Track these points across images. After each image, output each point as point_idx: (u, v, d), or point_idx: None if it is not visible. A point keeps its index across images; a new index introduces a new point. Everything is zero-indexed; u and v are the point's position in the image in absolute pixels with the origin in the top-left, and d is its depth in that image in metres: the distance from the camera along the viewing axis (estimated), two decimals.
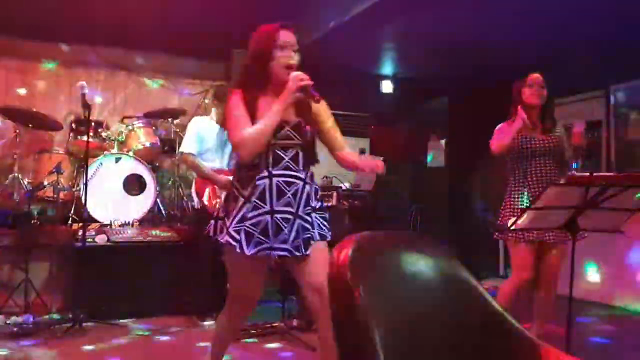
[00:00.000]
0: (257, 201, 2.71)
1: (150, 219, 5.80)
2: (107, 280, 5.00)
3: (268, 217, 2.71)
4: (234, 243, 2.69)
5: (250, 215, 2.70)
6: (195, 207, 5.16)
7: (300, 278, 2.83)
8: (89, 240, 4.99)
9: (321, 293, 2.66)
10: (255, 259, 2.73)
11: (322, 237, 2.82)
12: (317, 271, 2.75)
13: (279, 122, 2.71)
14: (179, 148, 6.22)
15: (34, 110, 5.99)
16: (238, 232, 2.70)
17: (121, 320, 4.85)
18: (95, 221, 5.43)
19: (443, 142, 8.23)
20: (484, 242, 6.93)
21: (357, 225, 4.80)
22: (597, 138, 6.75)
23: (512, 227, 2.91)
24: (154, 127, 6.35)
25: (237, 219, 2.71)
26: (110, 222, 5.43)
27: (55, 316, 4.72)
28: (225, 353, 3.21)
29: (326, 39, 6.38)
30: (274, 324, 4.61)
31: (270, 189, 2.73)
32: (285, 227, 2.71)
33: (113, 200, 5.59)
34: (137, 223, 5.55)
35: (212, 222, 2.90)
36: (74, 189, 5.75)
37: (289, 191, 2.75)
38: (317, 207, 2.86)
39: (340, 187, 5.09)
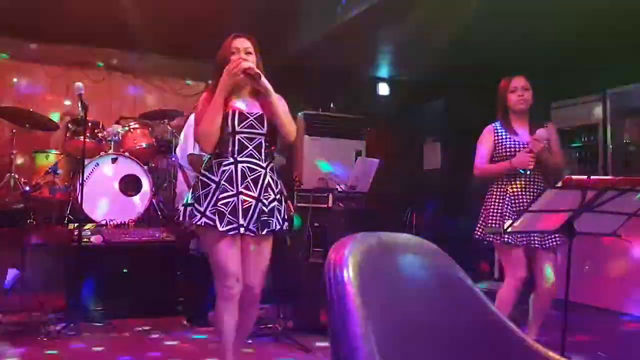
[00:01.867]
0: (225, 184, 3.05)
1: (145, 220, 5.79)
2: (102, 280, 5.01)
3: (235, 198, 3.04)
4: (212, 223, 3.01)
5: (221, 196, 3.03)
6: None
7: (244, 262, 3.14)
8: (85, 240, 5.00)
9: (250, 291, 3.16)
10: (229, 235, 3.06)
11: (277, 228, 3.17)
12: (253, 269, 3.17)
13: (244, 114, 3.10)
14: (175, 149, 6.22)
15: (31, 110, 5.99)
16: (214, 213, 3.03)
17: (116, 321, 4.84)
18: (91, 221, 5.42)
19: (439, 144, 8.25)
20: (479, 245, 6.93)
21: (353, 227, 4.80)
22: (594, 142, 6.77)
23: (509, 230, 2.91)
24: (150, 128, 6.33)
25: (212, 202, 3.05)
26: (106, 222, 5.42)
27: (50, 316, 4.71)
28: (217, 354, 3.30)
29: (323, 41, 6.38)
30: (269, 325, 4.60)
31: (235, 174, 3.06)
32: (248, 208, 3.04)
33: (109, 200, 5.58)
34: (133, 223, 5.54)
35: (182, 208, 3.18)
36: (70, 189, 5.73)
37: (250, 176, 3.08)
38: (278, 197, 3.19)
39: (336, 189, 5.07)
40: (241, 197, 3.04)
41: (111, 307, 4.98)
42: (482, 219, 3.93)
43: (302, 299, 4.72)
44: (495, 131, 3.92)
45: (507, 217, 3.73)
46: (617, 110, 6.53)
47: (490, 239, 3.85)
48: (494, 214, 3.82)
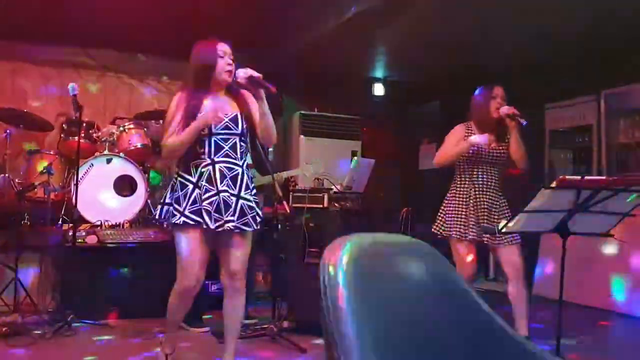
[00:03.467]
0: (207, 185, 3.17)
1: (140, 220, 5.77)
2: (96, 281, 5.00)
3: (217, 197, 3.16)
4: (192, 222, 3.15)
5: (205, 197, 3.15)
6: None
7: (223, 259, 3.34)
8: (79, 240, 4.97)
9: (234, 278, 3.30)
10: (204, 238, 3.21)
11: (258, 221, 3.32)
12: (237, 259, 3.29)
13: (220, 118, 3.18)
14: None
15: (25, 110, 5.97)
16: (196, 212, 3.16)
17: (110, 321, 4.83)
18: (86, 222, 5.40)
19: (434, 145, 8.27)
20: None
21: (348, 227, 4.80)
22: (589, 142, 6.78)
23: (504, 230, 2.93)
24: (145, 129, 6.31)
25: (190, 201, 3.17)
26: (101, 222, 5.40)
27: (45, 316, 4.69)
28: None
29: (319, 42, 6.39)
30: (265, 326, 4.60)
31: (214, 174, 3.19)
32: (232, 205, 3.17)
33: (104, 201, 5.57)
34: (128, 224, 5.53)
35: (159, 207, 3.31)
36: (64, 190, 5.71)
37: (229, 175, 3.21)
38: (253, 193, 3.34)
39: (332, 189, 5.07)
40: (222, 195, 3.16)
41: (105, 308, 4.97)
42: (442, 216, 4.05)
43: (298, 299, 4.72)
44: (468, 129, 4.07)
45: (470, 217, 3.90)
46: (611, 111, 6.55)
47: (444, 234, 3.99)
48: (457, 213, 3.95)
